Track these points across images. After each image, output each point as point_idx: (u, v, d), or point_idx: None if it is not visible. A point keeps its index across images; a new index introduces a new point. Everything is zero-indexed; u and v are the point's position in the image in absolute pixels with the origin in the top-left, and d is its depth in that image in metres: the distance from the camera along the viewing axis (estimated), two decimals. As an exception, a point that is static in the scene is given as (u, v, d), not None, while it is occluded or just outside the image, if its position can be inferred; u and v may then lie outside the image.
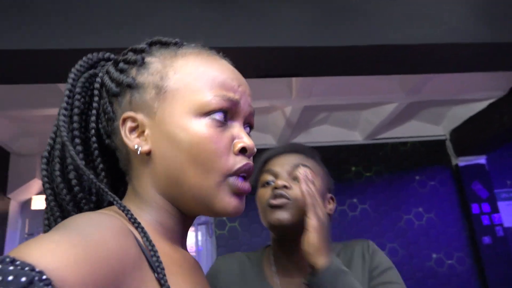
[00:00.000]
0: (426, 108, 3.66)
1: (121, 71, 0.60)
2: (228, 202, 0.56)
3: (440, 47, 2.00)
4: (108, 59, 0.66)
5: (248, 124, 0.63)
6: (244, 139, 0.58)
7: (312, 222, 0.86)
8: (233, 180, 0.57)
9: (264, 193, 1.01)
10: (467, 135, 3.76)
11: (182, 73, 0.58)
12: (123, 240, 0.45)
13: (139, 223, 0.52)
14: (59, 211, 0.58)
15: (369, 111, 3.54)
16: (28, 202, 3.60)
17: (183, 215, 0.60)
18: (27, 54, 1.68)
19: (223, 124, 0.57)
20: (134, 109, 0.58)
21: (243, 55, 1.87)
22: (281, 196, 0.98)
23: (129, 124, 0.58)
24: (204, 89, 0.57)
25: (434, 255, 3.66)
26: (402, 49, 1.97)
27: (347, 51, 1.95)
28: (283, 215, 0.96)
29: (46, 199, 0.58)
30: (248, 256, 1.10)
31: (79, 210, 0.58)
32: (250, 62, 1.96)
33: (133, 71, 0.60)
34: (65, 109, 0.58)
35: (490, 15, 2.06)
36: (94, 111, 0.61)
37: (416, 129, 3.94)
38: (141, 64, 0.60)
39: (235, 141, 0.58)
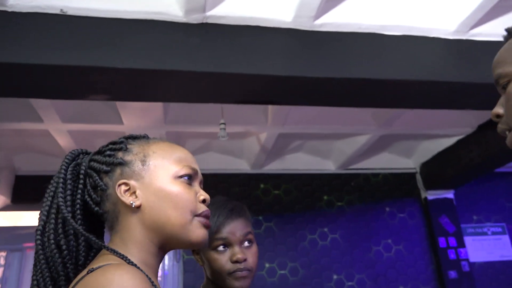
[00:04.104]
0: (398, 141, 3.74)
1: (109, 156, 0.84)
2: (200, 232, 0.83)
3: (414, 84, 2.06)
4: (86, 153, 0.90)
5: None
6: (204, 194, 0.86)
7: None
8: (199, 218, 0.83)
9: (221, 261, 1.16)
10: (436, 170, 3.85)
11: (158, 152, 0.85)
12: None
13: (141, 269, 0.74)
14: (48, 272, 0.78)
15: (342, 141, 3.59)
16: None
17: (160, 251, 0.83)
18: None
19: (189, 184, 0.85)
20: (125, 178, 0.82)
21: (223, 80, 1.88)
22: (244, 269, 1.15)
23: (123, 188, 0.82)
24: (175, 162, 0.85)
25: (401, 288, 3.68)
26: (377, 84, 2.02)
27: (324, 83, 1.98)
28: (246, 283, 1.16)
29: (38, 263, 0.78)
30: None
31: (65, 268, 0.79)
32: (229, 88, 1.96)
33: (120, 154, 0.85)
34: (62, 192, 0.81)
35: (462, 57, 2.15)
36: (79, 192, 0.83)
37: (388, 161, 4.01)
38: (126, 149, 0.85)
39: (198, 194, 0.86)
